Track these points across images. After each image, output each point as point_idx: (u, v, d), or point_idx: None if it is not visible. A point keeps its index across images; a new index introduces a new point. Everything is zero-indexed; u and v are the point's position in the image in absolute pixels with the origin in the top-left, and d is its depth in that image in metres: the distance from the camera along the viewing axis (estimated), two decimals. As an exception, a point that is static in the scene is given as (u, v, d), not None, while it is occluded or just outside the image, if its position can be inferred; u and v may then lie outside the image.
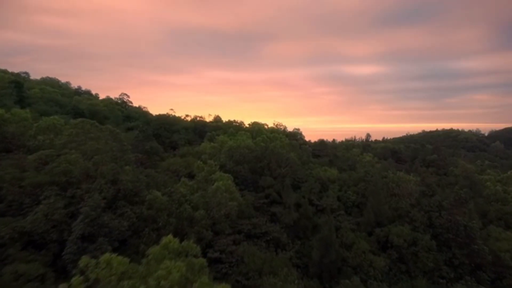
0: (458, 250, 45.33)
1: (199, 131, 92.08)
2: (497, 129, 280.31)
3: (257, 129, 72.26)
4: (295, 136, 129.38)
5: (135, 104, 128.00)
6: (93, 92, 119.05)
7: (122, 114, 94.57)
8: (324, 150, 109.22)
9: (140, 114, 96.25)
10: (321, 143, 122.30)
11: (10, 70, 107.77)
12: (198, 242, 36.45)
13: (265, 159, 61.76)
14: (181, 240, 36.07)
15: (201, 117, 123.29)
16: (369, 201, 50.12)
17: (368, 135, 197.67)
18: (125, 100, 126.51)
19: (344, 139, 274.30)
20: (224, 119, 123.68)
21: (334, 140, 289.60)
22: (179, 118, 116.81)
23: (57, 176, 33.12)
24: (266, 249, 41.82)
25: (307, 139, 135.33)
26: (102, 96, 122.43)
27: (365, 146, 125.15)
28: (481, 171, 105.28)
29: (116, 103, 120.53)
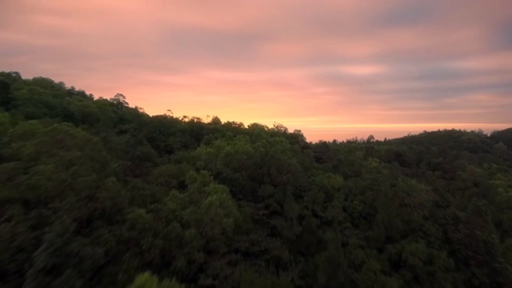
0: (477, 268, 40.70)
1: (196, 133, 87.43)
2: (499, 129, 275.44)
3: (256, 133, 67.48)
4: (296, 138, 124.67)
5: (133, 104, 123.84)
6: (88, 93, 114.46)
7: (116, 116, 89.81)
8: (327, 153, 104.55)
9: (135, 116, 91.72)
10: (323, 145, 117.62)
11: (10, 70, 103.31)
12: (189, 265, 31.91)
13: (265, 166, 57.10)
14: (169, 264, 31.58)
15: (198, 118, 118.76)
16: (378, 213, 45.43)
17: (371, 137, 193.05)
18: (121, 100, 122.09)
19: (345, 140, 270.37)
20: (223, 119, 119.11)
21: (335, 140, 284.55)
22: (176, 119, 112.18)
23: (24, 192, 28.47)
24: (266, 269, 37.28)
25: (307, 139, 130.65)
26: (99, 96, 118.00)
27: (368, 148, 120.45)
28: (490, 175, 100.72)
29: (112, 104, 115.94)
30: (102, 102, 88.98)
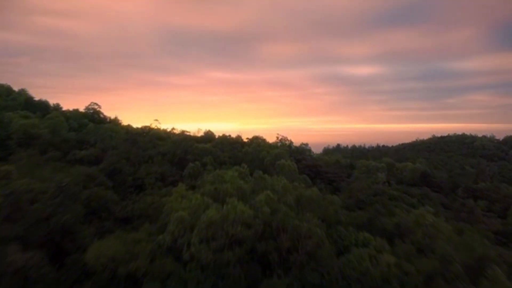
0: None
1: (179, 159, 64.93)
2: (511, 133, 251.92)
3: (257, 176, 45.05)
4: (303, 153, 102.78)
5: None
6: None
7: (75, 136, 67.10)
8: (344, 179, 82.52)
9: (103, 134, 68.93)
10: (336, 164, 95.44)
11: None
12: None
13: (271, 234, 34.95)
14: None
15: (188, 132, 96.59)
16: None
17: (381, 145, 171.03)
18: (97, 109, 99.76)
19: (350, 144, 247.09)
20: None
21: (338, 145, 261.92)
22: (159, 133, 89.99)
23: None
24: None
25: (308, 139, 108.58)
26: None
27: (389, 166, 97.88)
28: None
29: (84, 115, 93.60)
30: (58, 119, 66.34)
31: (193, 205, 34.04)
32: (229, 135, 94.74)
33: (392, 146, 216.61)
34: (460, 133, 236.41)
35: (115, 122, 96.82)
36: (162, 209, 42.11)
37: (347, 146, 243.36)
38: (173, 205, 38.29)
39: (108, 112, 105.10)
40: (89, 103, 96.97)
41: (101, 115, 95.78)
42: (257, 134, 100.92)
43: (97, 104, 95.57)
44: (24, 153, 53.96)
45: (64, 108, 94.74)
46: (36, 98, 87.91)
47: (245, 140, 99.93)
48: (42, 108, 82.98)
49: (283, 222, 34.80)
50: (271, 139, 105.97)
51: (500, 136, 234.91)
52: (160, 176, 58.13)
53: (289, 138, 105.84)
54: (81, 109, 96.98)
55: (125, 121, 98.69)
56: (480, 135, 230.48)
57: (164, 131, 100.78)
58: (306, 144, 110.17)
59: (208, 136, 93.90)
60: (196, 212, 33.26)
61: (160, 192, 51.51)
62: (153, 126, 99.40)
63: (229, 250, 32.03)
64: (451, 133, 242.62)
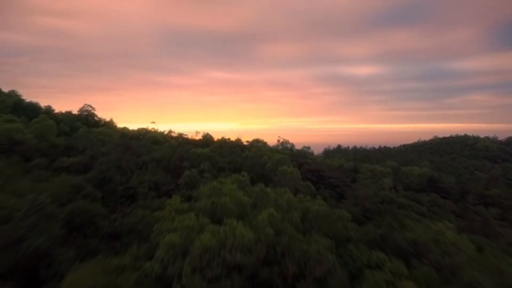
0: None
1: (175, 166, 60.52)
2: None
3: (259, 190, 40.62)
4: (305, 157, 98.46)
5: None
6: (48, 104, 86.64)
7: (64, 141, 62.62)
8: (349, 185, 78.15)
9: (93, 139, 64.45)
10: (340, 169, 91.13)
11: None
12: None
13: (275, 258, 30.64)
14: None
15: (186, 135, 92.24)
16: None
17: (383, 147, 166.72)
18: (91, 112, 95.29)
19: (351, 145, 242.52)
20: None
21: (339, 145, 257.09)
22: (157, 136, 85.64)
23: None
24: None
25: (307, 139, 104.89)
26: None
27: (395, 169, 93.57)
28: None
29: (78, 117, 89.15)
30: (46, 122, 61.81)
31: (186, 226, 29.65)
32: (228, 138, 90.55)
33: (394, 147, 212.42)
34: (461, 133, 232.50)
35: (110, 124, 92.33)
36: (153, 226, 37.86)
37: (348, 147, 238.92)
38: (164, 224, 33.85)
39: (108, 112, 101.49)
40: (83, 105, 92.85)
41: (96, 118, 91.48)
42: (257, 134, 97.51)
43: (91, 106, 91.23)
44: (6, 160, 49.67)
45: (64, 109, 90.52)
46: (27, 100, 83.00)
47: (245, 143, 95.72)
48: (32, 110, 78.34)
49: (288, 245, 30.52)
50: (271, 139, 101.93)
51: (500, 136, 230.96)
52: (153, 185, 53.66)
53: (290, 141, 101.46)
54: (75, 111, 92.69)
55: (125, 122, 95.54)
56: (481, 135, 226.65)
57: (161, 133, 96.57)
58: (308, 147, 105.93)
59: (207, 140, 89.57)
60: (189, 234, 28.90)
61: (153, 203, 47.12)
62: (149, 128, 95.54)
63: (227, 278, 27.70)
64: (452, 133, 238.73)
